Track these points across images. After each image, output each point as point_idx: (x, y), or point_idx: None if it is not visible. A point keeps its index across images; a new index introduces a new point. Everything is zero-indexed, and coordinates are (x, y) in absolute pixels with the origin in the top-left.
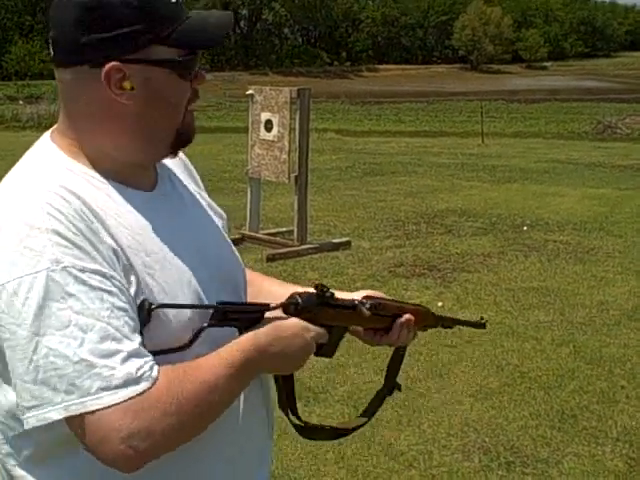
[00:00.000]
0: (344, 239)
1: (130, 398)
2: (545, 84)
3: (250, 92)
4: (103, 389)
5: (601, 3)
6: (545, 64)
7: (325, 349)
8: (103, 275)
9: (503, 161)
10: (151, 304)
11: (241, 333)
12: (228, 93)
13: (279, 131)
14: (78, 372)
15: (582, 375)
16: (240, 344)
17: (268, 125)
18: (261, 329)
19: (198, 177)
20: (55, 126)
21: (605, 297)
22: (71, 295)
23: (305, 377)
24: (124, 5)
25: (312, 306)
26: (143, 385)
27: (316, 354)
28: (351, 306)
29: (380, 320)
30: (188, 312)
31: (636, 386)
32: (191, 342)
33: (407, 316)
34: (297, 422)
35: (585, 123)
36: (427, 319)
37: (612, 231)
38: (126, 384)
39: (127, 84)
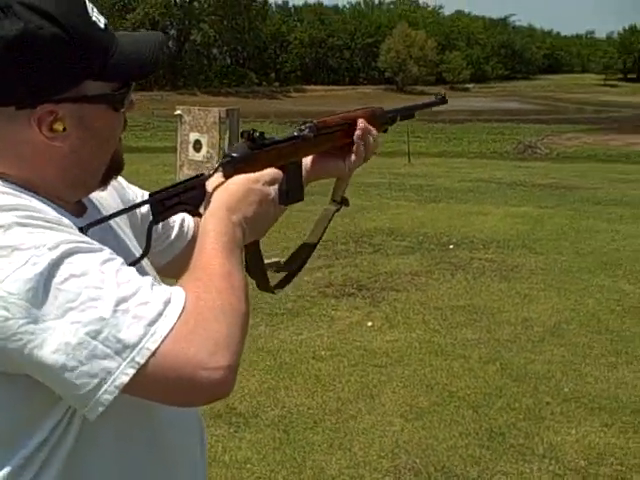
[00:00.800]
0: (274, 259)
1: (177, 319)
2: (468, 105)
3: (178, 112)
4: (150, 324)
5: (520, 27)
6: (468, 86)
7: (291, 194)
8: (83, 241)
9: (429, 180)
10: (81, 228)
11: (195, 215)
12: (156, 113)
13: (208, 151)
14: (117, 325)
15: (509, 392)
16: (213, 230)
17: (197, 145)
18: (213, 205)
19: (129, 189)
20: None
21: (529, 314)
22: (67, 265)
23: (235, 401)
24: (55, 39)
25: (249, 154)
26: (179, 300)
27: (286, 202)
28: (291, 137)
29: (328, 139)
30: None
31: (560, 402)
32: (148, 246)
33: (361, 123)
34: (274, 290)
35: (507, 143)
36: (380, 117)
37: (534, 249)
38: (165, 306)
39: (59, 125)
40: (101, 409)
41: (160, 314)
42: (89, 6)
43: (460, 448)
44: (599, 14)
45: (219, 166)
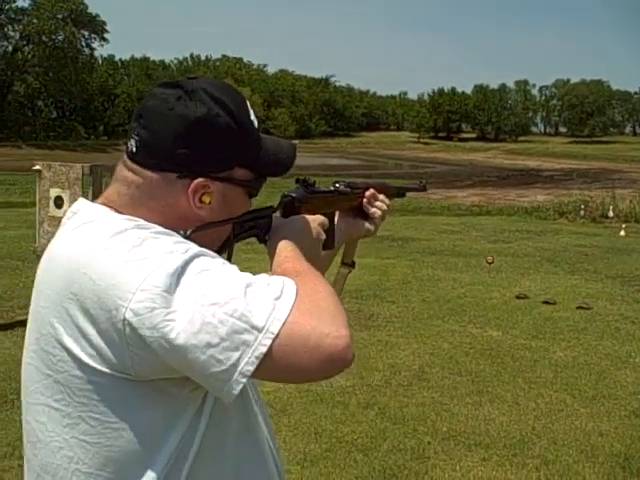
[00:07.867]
0: None
1: (295, 298)
2: (296, 161)
3: (37, 167)
4: (276, 299)
5: (340, 87)
6: (294, 142)
7: (326, 241)
8: (205, 250)
9: None
10: (185, 231)
11: (261, 241)
12: None
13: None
14: (249, 304)
15: (392, 435)
16: (286, 248)
17: (58, 202)
18: (283, 233)
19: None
20: (104, 200)
21: (394, 360)
22: (198, 263)
23: None
24: (226, 128)
25: (306, 196)
26: (292, 283)
27: (323, 248)
28: (332, 190)
29: (355, 198)
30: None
31: (440, 441)
32: (229, 258)
33: (370, 191)
34: None
35: None
36: (388, 190)
37: (385, 297)
38: (284, 286)
39: (207, 198)
40: (243, 382)
41: (282, 291)
42: (249, 108)
43: None
44: (411, 76)
45: (282, 202)
